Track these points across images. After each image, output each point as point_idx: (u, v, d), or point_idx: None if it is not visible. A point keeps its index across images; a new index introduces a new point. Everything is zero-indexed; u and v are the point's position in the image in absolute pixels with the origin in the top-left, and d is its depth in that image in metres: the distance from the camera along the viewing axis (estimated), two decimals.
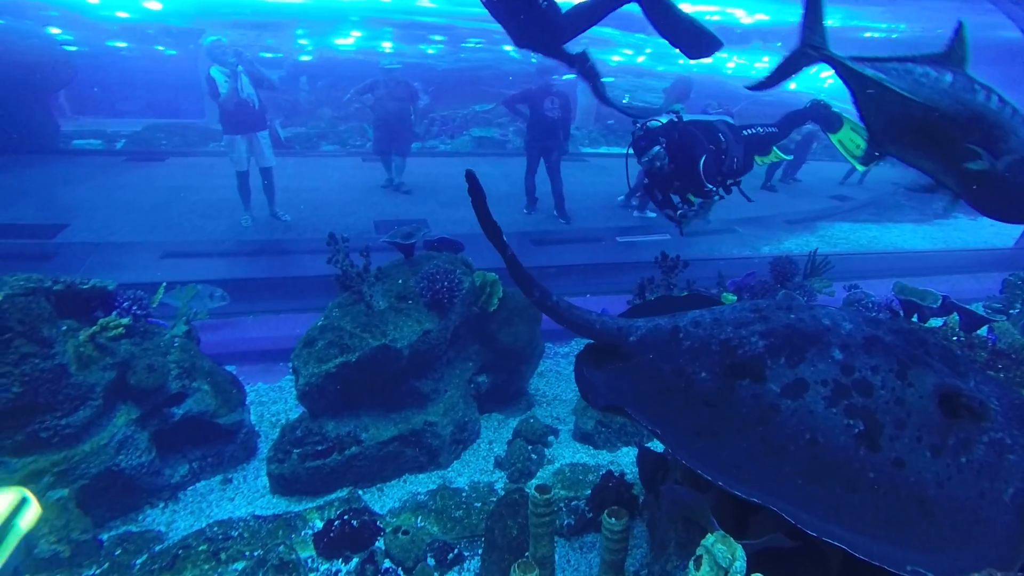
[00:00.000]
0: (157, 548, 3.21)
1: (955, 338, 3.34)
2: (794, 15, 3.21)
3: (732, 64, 18.75)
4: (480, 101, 14.00)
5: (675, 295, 4.20)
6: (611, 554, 2.44)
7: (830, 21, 3.21)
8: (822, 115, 5.19)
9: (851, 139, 4.99)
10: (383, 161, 9.80)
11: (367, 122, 12.06)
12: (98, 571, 3.04)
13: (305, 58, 16.03)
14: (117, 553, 3.16)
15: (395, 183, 9.70)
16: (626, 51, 18.05)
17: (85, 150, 11.82)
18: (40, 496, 3.02)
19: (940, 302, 3.49)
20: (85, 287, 3.43)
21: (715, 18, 14.60)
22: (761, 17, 15.07)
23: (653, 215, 8.51)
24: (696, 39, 4.05)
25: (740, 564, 1.77)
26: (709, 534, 1.86)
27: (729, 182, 4.73)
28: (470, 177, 2.30)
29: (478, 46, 16.47)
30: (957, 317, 3.36)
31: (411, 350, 3.75)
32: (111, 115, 12.89)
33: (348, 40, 15.81)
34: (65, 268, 6.48)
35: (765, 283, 4.95)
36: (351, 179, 10.13)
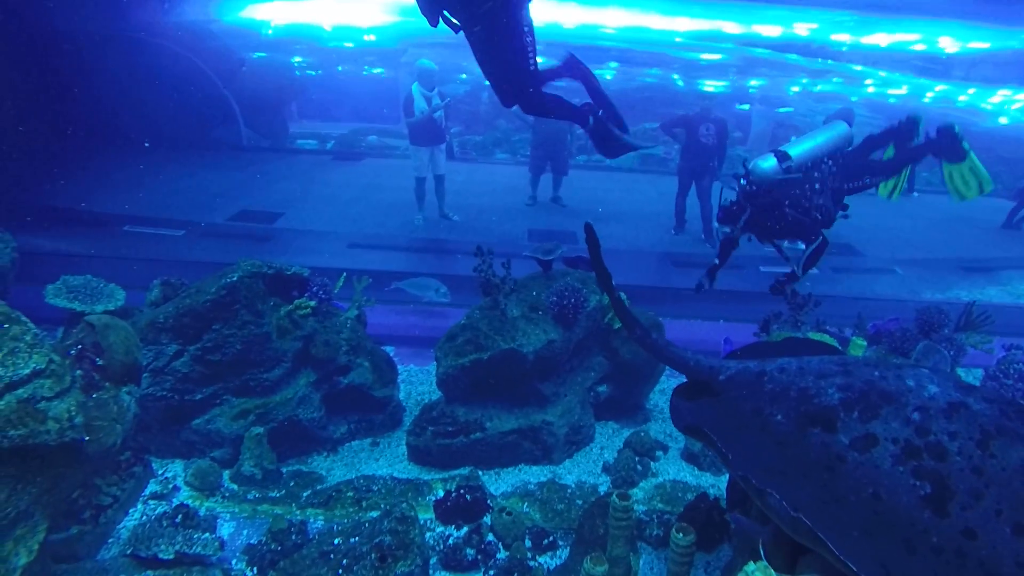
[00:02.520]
0: (318, 487, 4.02)
1: None
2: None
3: (931, 94, 16.73)
4: (651, 119, 14.15)
5: (796, 336, 4.18)
6: (676, 566, 2.68)
7: None
8: (946, 144, 4.72)
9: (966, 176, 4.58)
10: (533, 179, 10.15)
11: None
12: (277, 495, 3.92)
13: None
14: (292, 484, 4.03)
15: (553, 197, 10.21)
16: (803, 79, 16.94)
17: (304, 149, 14.13)
18: (245, 430, 3.99)
19: None
20: (289, 273, 4.37)
21: (920, 47, 13.30)
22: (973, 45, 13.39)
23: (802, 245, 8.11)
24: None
25: None
26: (752, 562, 2.07)
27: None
28: (588, 229, 2.65)
29: (652, 74, 16.60)
30: None
31: (536, 355, 4.21)
32: (327, 119, 15.19)
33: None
34: (280, 249, 7.98)
35: (907, 331, 4.64)
36: (516, 186, 10.89)
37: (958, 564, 1.81)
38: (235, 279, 3.98)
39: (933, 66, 15.03)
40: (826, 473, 2.09)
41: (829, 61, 15.27)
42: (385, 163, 13.12)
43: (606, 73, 16.39)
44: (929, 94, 16.23)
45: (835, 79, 16.01)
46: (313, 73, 15.12)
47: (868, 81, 16.09)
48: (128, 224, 8.05)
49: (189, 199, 9.35)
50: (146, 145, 9.36)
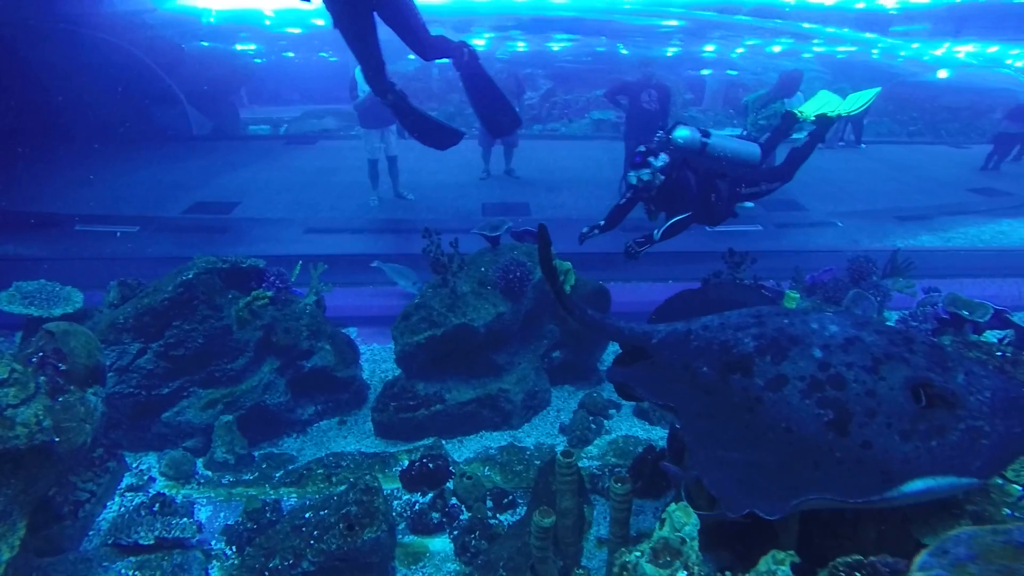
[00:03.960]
0: (290, 467, 4.23)
1: (999, 353, 3.39)
2: None
3: (875, 51, 17.16)
4: (604, 86, 14.33)
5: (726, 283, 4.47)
6: (617, 512, 2.97)
7: None
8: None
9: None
10: (484, 153, 10.24)
11: None
12: (251, 477, 4.12)
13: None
14: (264, 467, 4.23)
15: (506, 170, 10.35)
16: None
17: (257, 135, 13.93)
18: (215, 419, 4.16)
19: (990, 315, 3.49)
20: (244, 266, 4.50)
21: (860, 5, 13.65)
22: None
23: (750, 205, 8.45)
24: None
25: (691, 528, 2.23)
26: (674, 502, 2.35)
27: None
28: (541, 230, 2.84)
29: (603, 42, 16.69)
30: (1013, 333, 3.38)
31: (487, 328, 4.44)
32: (278, 103, 14.96)
33: (480, 41, 16.69)
34: (237, 240, 8.02)
35: (840, 281, 5.00)
36: (470, 161, 10.98)
37: (857, 470, 2.08)
38: (191, 276, 4.10)
39: (875, 22, 15.44)
40: (747, 414, 2.37)
41: (778, 21, 15.55)
42: (338, 144, 13.05)
43: (555, 45, 16.46)
44: (874, 50, 16.68)
45: (785, 39, 16.33)
46: (259, 61, 14.89)
47: (815, 40, 16.47)
48: (80, 223, 7.97)
49: (142, 193, 9.25)
50: (91, 148, 9.19)
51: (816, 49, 16.70)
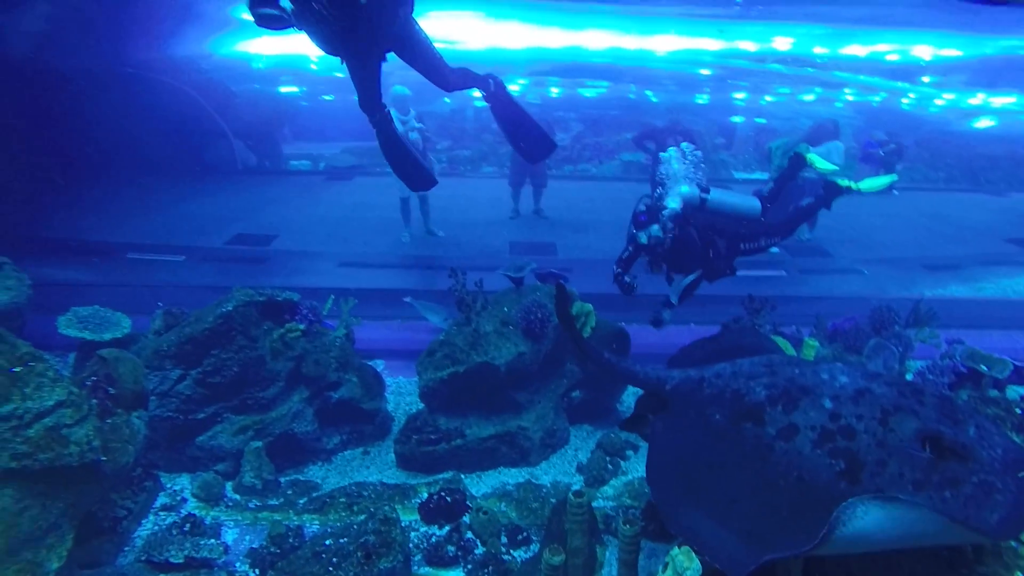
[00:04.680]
0: (314, 494, 4.38)
1: (1019, 411, 3.38)
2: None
3: (907, 100, 17.23)
4: (633, 130, 14.68)
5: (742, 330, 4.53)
6: (624, 554, 3.04)
7: None
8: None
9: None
10: (513, 193, 10.48)
11: None
12: (276, 502, 4.29)
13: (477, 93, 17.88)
14: (289, 493, 4.39)
15: (535, 209, 10.60)
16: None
17: (298, 171, 14.59)
18: (245, 445, 4.37)
19: (1009, 371, 3.50)
20: (280, 299, 4.76)
21: (894, 56, 13.89)
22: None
23: (776, 250, 8.49)
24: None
25: (692, 573, 2.31)
26: (676, 547, 2.43)
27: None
28: (559, 287, 3.02)
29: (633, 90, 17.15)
30: None
31: (507, 367, 4.59)
32: (320, 140, 15.67)
33: (515, 87, 17.32)
34: (274, 271, 8.38)
35: (861, 329, 5.02)
36: (500, 199, 11.28)
37: None
38: (230, 308, 4.37)
39: (909, 71, 15.57)
40: (759, 462, 2.43)
41: (809, 69, 15.79)
42: (374, 181, 13.54)
43: (588, 91, 16.95)
44: (904, 100, 16.75)
45: (816, 88, 16.54)
46: (305, 104, 15.87)
47: (847, 89, 16.63)
48: (132, 251, 8.45)
49: (188, 224, 9.76)
50: (146, 181, 9.80)
51: (848, 98, 16.82)
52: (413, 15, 4.20)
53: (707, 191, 4.72)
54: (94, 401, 3.14)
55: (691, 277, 4.73)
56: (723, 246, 4.76)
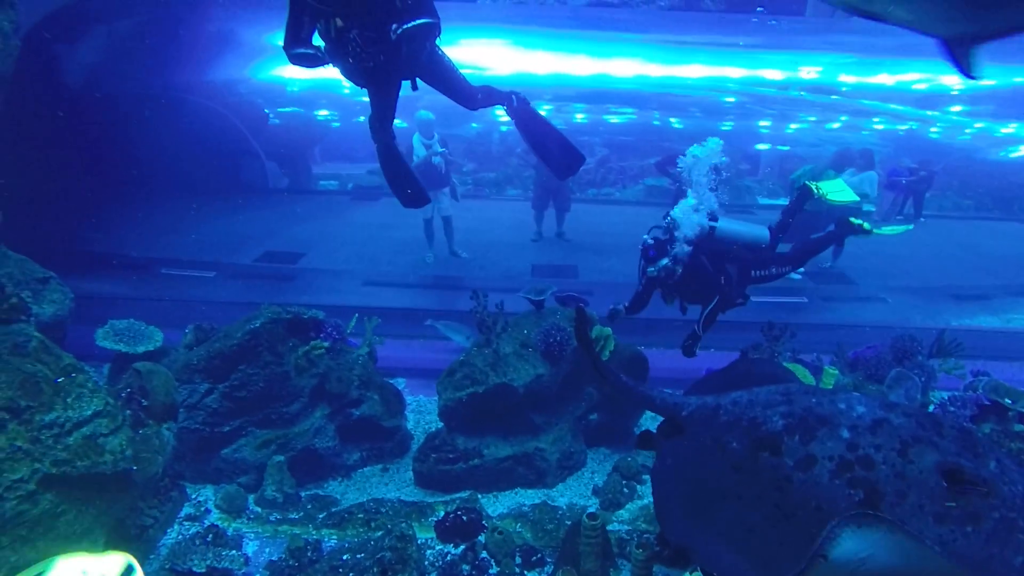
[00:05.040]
0: (333, 509, 4.47)
1: None
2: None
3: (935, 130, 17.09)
4: (657, 155, 14.77)
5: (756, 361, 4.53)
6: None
7: None
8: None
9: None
10: (536, 216, 10.59)
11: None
12: (296, 516, 4.39)
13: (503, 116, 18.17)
14: (309, 507, 4.49)
15: (557, 232, 10.70)
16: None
17: (326, 190, 14.98)
18: (268, 459, 4.49)
19: None
20: (305, 317, 4.91)
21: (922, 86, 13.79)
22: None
23: (797, 276, 8.45)
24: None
25: None
26: (689, 574, 2.46)
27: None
28: (579, 310, 3.11)
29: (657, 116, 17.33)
30: None
31: (526, 389, 4.66)
32: (348, 161, 16.08)
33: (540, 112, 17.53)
34: (301, 289, 8.59)
35: (882, 358, 4.97)
36: (523, 222, 11.42)
37: None
38: (258, 325, 4.53)
39: (938, 100, 15.42)
40: (777, 493, 2.41)
41: (834, 97, 15.74)
42: (399, 202, 13.80)
43: (613, 117, 17.13)
44: (933, 129, 16.61)
45: (843, 117, 16.49)
46: (336, 125, 16.37)
47: (875, 118, 16.52)
48: (165, 267, 8.74)
49: (219, 241, 10.05)
50: (183, 199, 10.18)
51: (876, 126, 16.70)
52: (438, 43, 4.36)
53: (715, 219, 4.80)
54: (128, 412, 3.28)
55: (712, 305, 4.76)
56: (735, 273, 4.79)
